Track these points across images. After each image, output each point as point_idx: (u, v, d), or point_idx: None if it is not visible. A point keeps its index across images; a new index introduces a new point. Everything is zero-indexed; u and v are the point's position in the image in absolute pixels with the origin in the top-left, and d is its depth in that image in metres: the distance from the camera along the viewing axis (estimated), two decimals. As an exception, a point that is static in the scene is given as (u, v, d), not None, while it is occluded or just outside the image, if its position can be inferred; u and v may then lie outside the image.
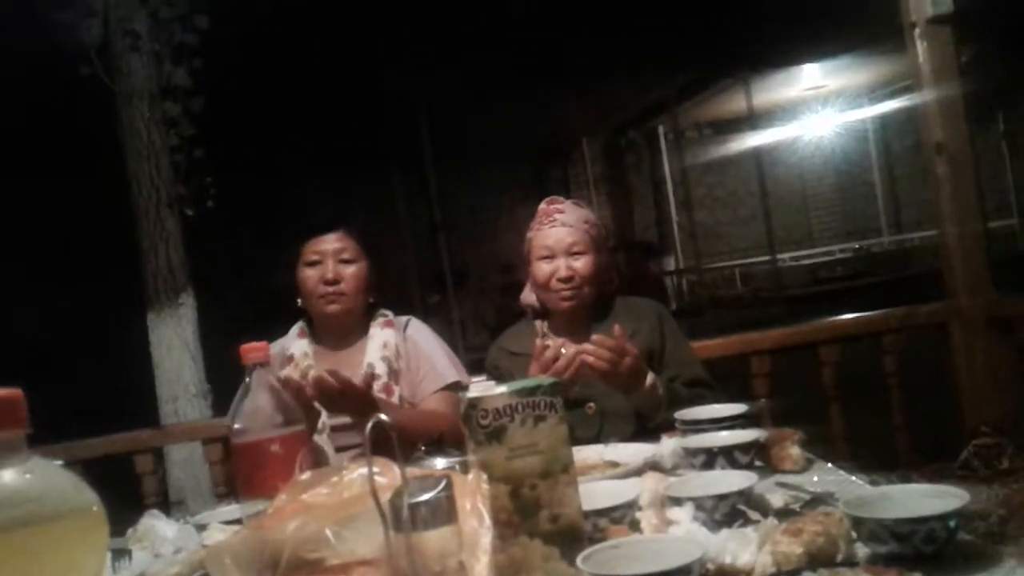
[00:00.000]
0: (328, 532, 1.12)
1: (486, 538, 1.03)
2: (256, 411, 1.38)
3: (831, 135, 13.52)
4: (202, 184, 3.75)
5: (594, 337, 1.95)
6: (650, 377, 2.02)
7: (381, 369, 2.17)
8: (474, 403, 1.16)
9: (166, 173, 3.65)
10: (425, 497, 0.86)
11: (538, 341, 2.08)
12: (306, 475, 1.14)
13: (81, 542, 0.52)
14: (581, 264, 2.20)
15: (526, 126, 10.85)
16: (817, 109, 12.96)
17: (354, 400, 1.84)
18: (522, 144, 12.13)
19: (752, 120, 11.82)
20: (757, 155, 11.95)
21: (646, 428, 2.02)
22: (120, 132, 3.70)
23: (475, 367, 2.42)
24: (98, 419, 3.07)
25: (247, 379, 1.41)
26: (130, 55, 3.68)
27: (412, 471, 1.03)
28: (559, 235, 2.22)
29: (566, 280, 2.19)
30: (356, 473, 1.09)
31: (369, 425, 0.88)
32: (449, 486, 0.88)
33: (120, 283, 3.81)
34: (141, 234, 3.62)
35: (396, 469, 0.98)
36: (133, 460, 2.83)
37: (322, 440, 2.08)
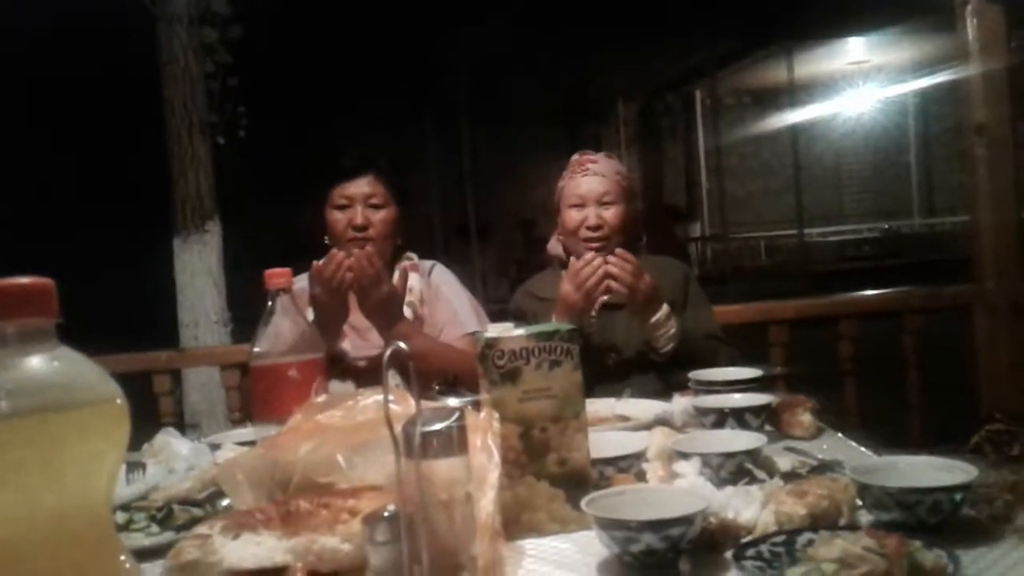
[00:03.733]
0: (339, 457, 1.14)
1: (494, 474, 1.04)
2: (277, 336, 1.40)
3: (871, 111, 13.30)
4: (235, 113, 3.75)
5: (618, 250, 2.05)
6: (665, 308, 2.08)
7: (407, 314, 2.18)
8: (491, 343, 1.17)
9: (200, 100, 3.66)
10: (438, 426, 0.87)
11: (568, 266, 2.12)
12: (322, 397, 1.16)
13: (104, 432, 0.53)
14: (611, 214, 2.21)
15: (563, 84, 10.75)
16: (858, 84, 12.73)
17: (385, 298, 1.95)
18: (557, 101, 12.02)
19: (792, 91, 11.64)
20: (794, 127, 11.79)
21: (664, 383, 2.04)
22: (158, 56, 3.70)
23: (495, 317, 2.42)
24: (120, 338, 3.11)
25: (269, 304, 1.42)
26: (171, -23, 3.67)
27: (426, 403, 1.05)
28: (591, 184, 2.22)
29: (595, 228, 2.20)
30: (371, 399, 1.11)
31: (387, 353, 0.89)
32: (462, 417, 0.89)
33: (150, 207, 3.84)
34: (172, 159, 3.63)
35: (411, 399, 1.00)
36: (151, 380, 2.87)
37: (346, 386, 2.10)
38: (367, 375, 2.08)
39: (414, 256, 2.32)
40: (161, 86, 3.68)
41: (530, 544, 1.13)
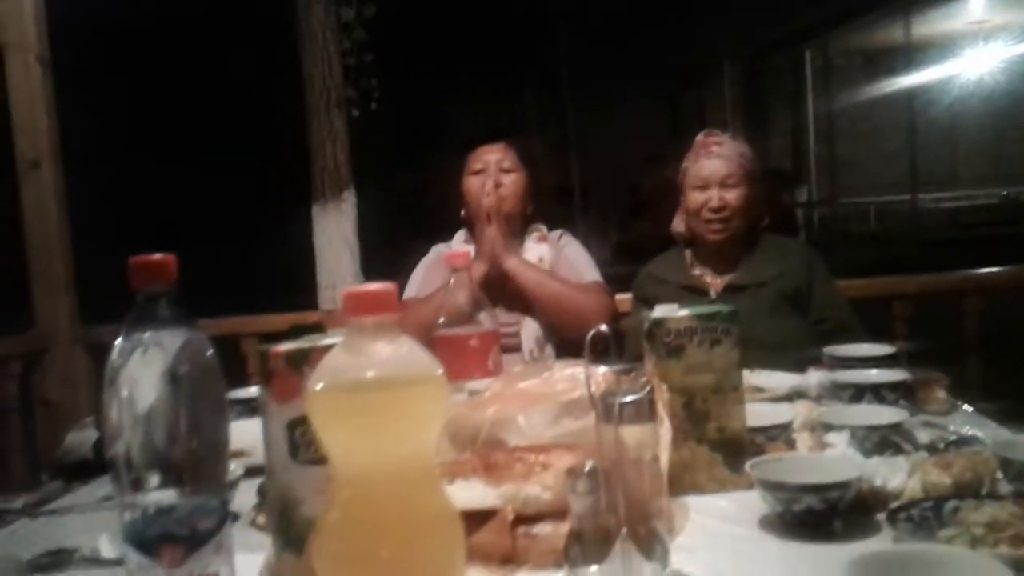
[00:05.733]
0: (520, 418, 1.31)
1: (666, 437, 1.19)
2: (457, 308, 1.58)
3: (990, 73, 12.75)
4: (369, 87, 3.95)
5: None
6: None
7: None
8: (659, 322, 1.32)
9: (338, 75, 3.85)
10: (632, 397, 1.03)
11: None
12: (519, 368, 1.33)
13: (433, 401, 0.70)
14: (733, 196, 2.29)
15: (667, 44, 10.66)
16: (978, 45, 12.22)
17: (503, 230, 2.27)
18: (661, 62, 11.91)
19: (908, 52, 11.29)
20: (909, 89, 11.44)
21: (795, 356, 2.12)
22: (298, 34, 3.91)
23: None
24: (261, 299, 3.39)
25: (452, 281, 1.60)
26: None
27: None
28: (714, 166, 2.30)
29: (717, 210, 2.28)
30: (565, 371, 1.27)
31: (589, 336, 1.05)
32: (652, 390, 1.04)
33: (289, 176, 4.09)
34: (311, 132, 3.85)
35: (599, 374, 1.16)
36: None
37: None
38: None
39: (543, 227, 2.48)
40: (301, 64, 3.89)
41: (692, 501, 1.27)
